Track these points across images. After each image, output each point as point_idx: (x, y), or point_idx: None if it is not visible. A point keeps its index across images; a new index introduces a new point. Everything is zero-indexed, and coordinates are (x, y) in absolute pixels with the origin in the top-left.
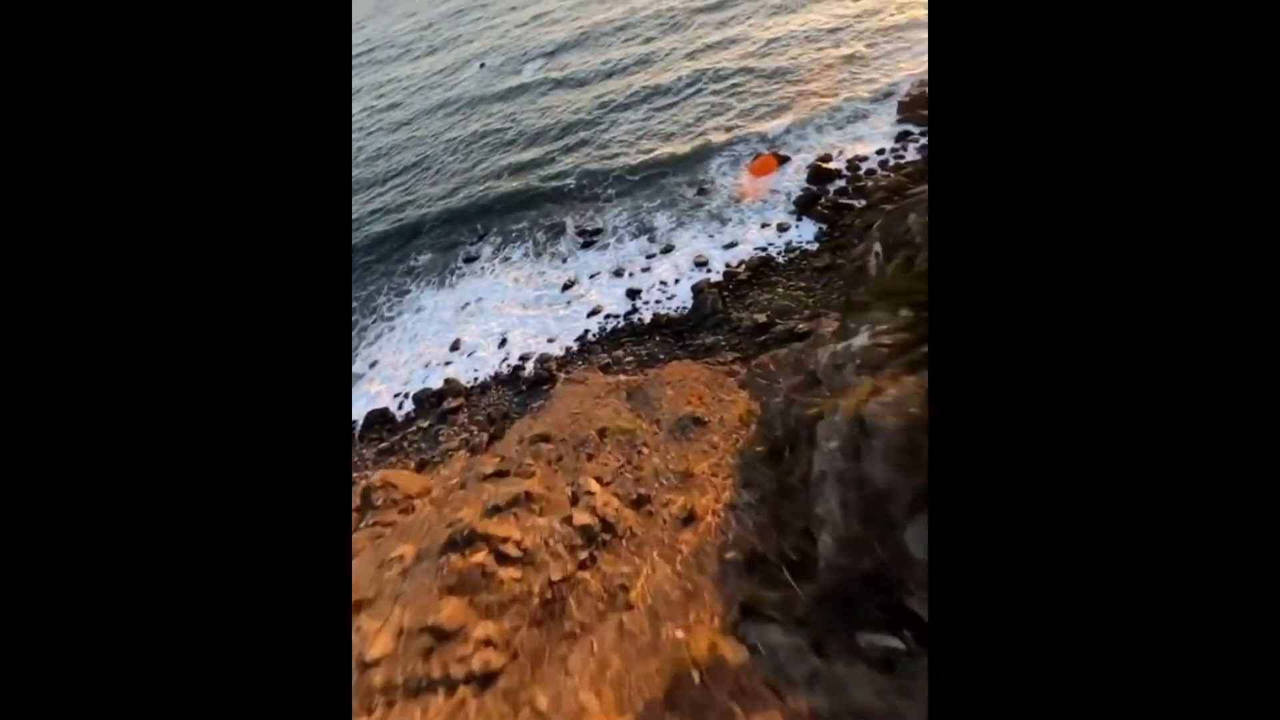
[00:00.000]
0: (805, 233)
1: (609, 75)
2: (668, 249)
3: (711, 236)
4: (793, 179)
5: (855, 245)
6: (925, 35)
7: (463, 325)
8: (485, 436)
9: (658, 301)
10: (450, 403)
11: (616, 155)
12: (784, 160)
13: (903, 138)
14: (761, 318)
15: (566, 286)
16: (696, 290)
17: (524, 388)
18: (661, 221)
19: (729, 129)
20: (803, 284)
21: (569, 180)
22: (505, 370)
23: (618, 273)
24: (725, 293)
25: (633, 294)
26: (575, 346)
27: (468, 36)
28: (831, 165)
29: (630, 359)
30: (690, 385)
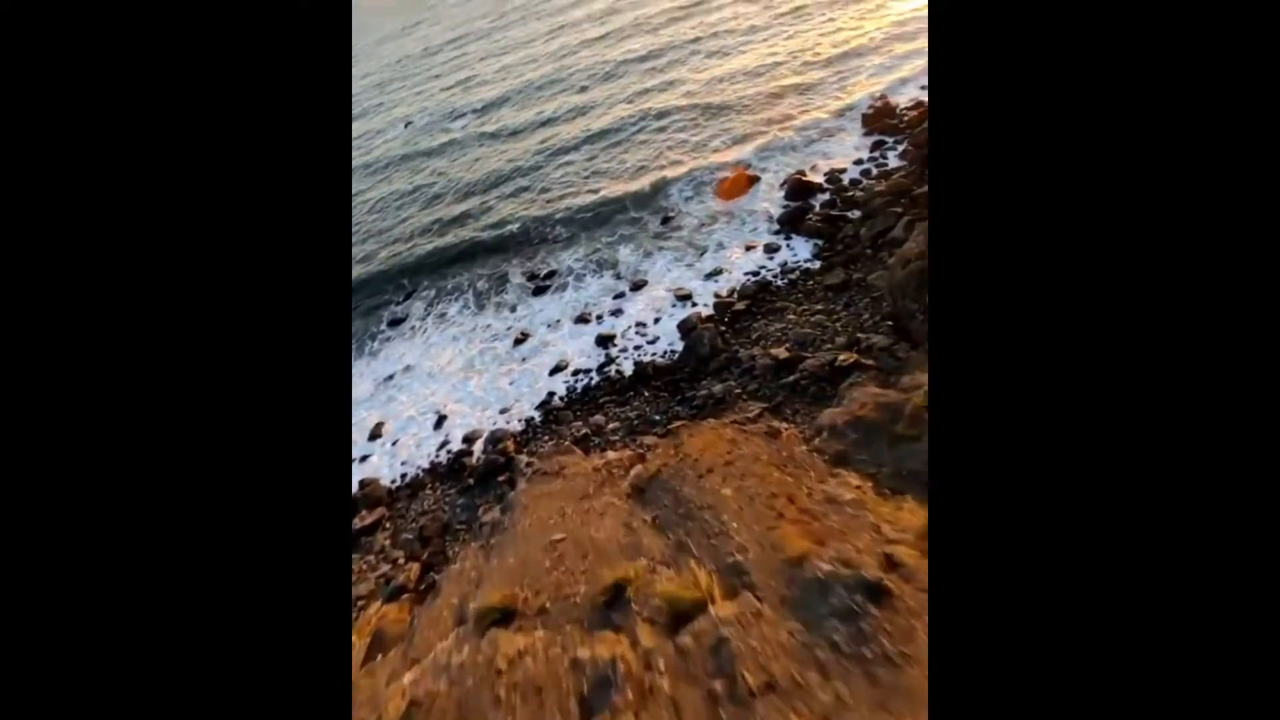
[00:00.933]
0: (800, 251)
1: (545, 124)
2: (639, 285)
3: (689, 266)
4: (767, 198)
5: (869, 254)
6: (866, 62)
7: (386, 403)
8: (414, 570)
9: (637, 348)
10: (365, 518)
11: (563, 197)
12: (754, 180)
13: (878, 146)
14: (781, 352)
15: (519, 340)
16: (686, 328)
17: (471, 482)
18: (626, 256)
19: (685, 161)
20: (819, 306)
21: (511, 226)
22: (444, 459)
23: (582, 318)
24: (722, 327)
25: (605, 341)
26: (538, 416)
27: (391, 104)
28: (811, 179)
29: (616, 426)
30: (747, 471)
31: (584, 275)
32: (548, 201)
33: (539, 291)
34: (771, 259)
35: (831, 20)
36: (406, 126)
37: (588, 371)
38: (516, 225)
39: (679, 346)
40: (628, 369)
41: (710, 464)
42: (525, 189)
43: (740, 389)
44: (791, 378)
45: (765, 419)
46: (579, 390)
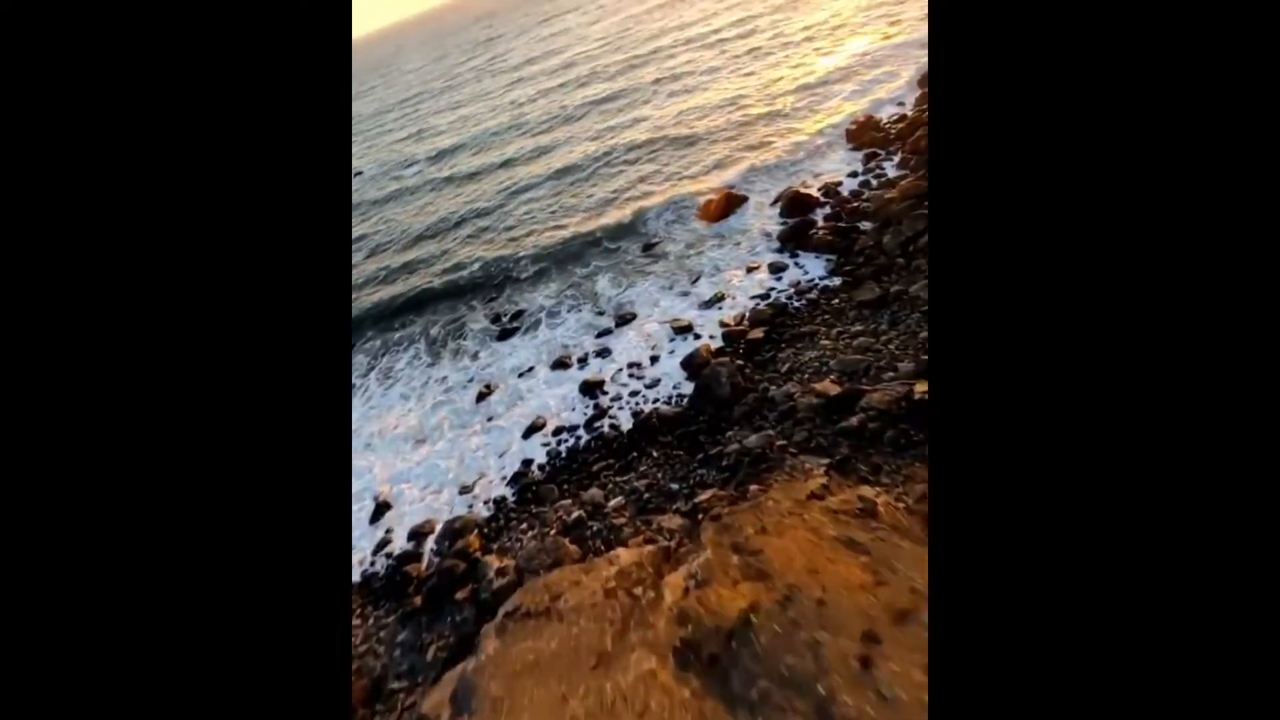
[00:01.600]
0: (811, 268)
1: (504, 165)
2: (625, 319)
3: (683, 294)
4: (759, 216)
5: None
6: (836, 89)
7: None
8: None
9: (634, 394)
10: None
11: (529, 234)
12: (741, 200)
13: (872, 158)
14: (828, 386)
15: (483, 394)
16: (694, 365)
17: (418, 603)
18: (606, 287)
19: (661, 190)
20: (857, 327)
21: (470, 269)
22: (381, 568)
23: (560, 363)
24: (740, 361)
25: (591, 390)
26: (511, 495)
27: None
28: (809, 192)
29: (620, 502)
30: (846, 582)
31: (558, 312)
32: (511, 240)
33: (505, 335)
34: (780, 279)
35: (788, 57)
36: (355, 177)
37: (573, 430)
38: (476, 267)
39: (687, 389)
40: (625, 422)
41: (791, 580)
42: (485, 229)
43: (783, 439)
44: (853, 420)
45: (838, 483)
46: (563, 455)
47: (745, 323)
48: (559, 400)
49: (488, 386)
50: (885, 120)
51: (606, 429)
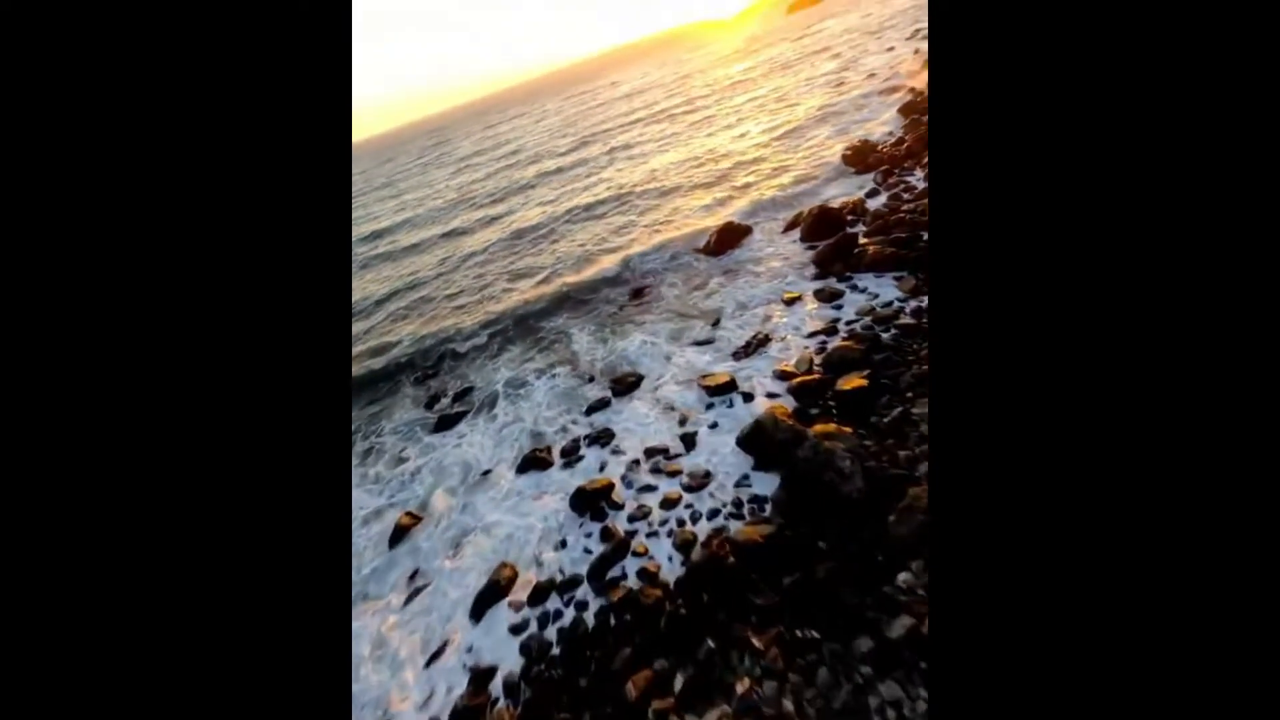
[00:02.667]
0: (882, 290)
1: (450, 236)
2: (627, 384)
3: (704, 344)
4: (772, 245)
5: None
6: (813, 132)
7: None
8: None
9: (671, 505)
10: None
11: (478, 301)
12: (745, 231)
13: (889, 174)
14: None
15: (402, 531)
16: (767, 442)
17: None
18: (589, 345)
19: (642, 239)
20: None
21: (399, 348)
22: None
23: (534, 460)
24: (846, 427)
25: (591, 503)
26: None
27: None
28: (836, 209)
29: None
30: None
31: (524, 382)
32: (456, 309)
33: (446, 423)
34: (839, 307)
35: (746, 119)
36: None
37: (569, 588)
38: (407, 343)
39: (767, 484)
40: (666, 563)
41: None
42: (423, 300)
43: None
44: None
45: None
46: (556, 651)
47: (819, 368)
48: (536, 528)
49: (412, 515)
50: (882, 145)
51: (633, 581)
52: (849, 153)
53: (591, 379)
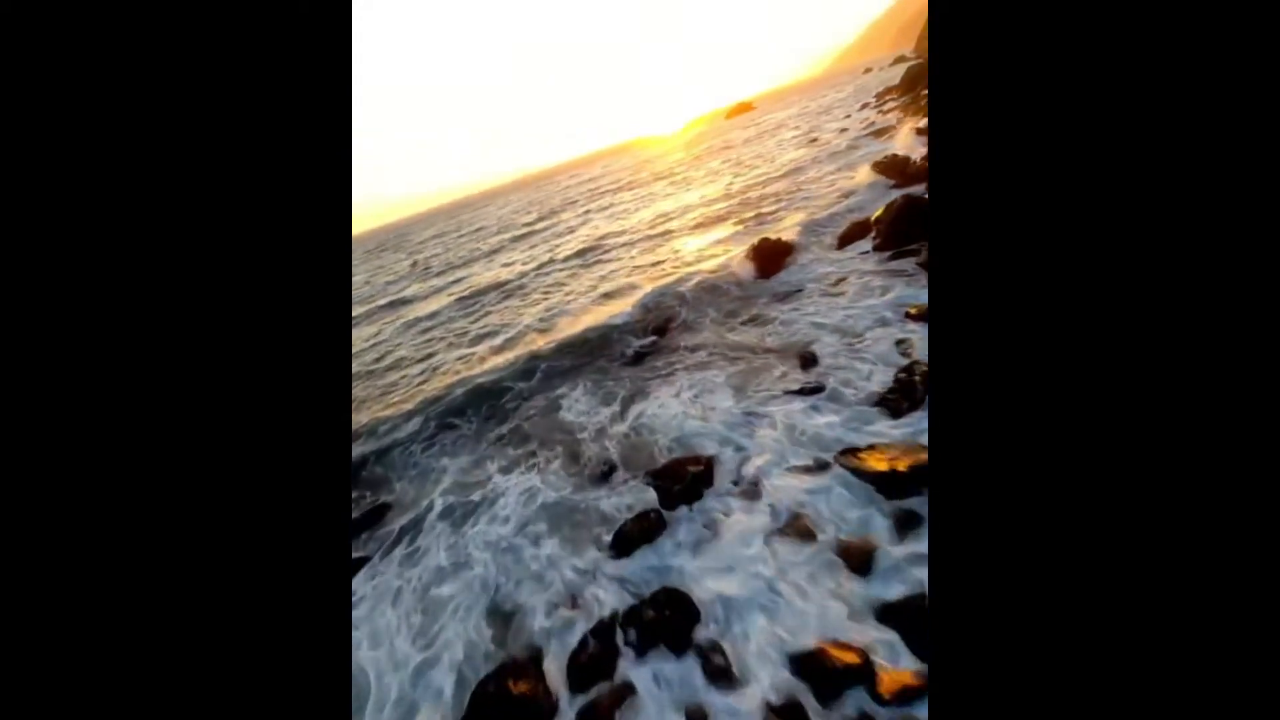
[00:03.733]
0: None
1: (392, 307)
2: (686, 479)
3: (812, 394)
4: (841, 257)
5: None
6: (820, 169)
7: None
8: None
9: None
10: None
11: (422, 379)
12: (789, 249)
13: None
14: None
15: None
16: None
17: None
18: (590, 414)
19: (651, 278)
20: None
21: None
22: None
23: (495, 705)
24: None
25: None
26: None
27: None
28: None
29: None
30: None
31: (481, 492)
32: (388, 388)
33: None
34: None
35: (741, 171)
36: None
37: None
38: None
39: None
40: None
41: None
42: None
43: None
44: None
45: None
46: None
47: None
48: None
49: None
50: (916, 159)
51: None
52: (881, 165)
53: (608, 472)
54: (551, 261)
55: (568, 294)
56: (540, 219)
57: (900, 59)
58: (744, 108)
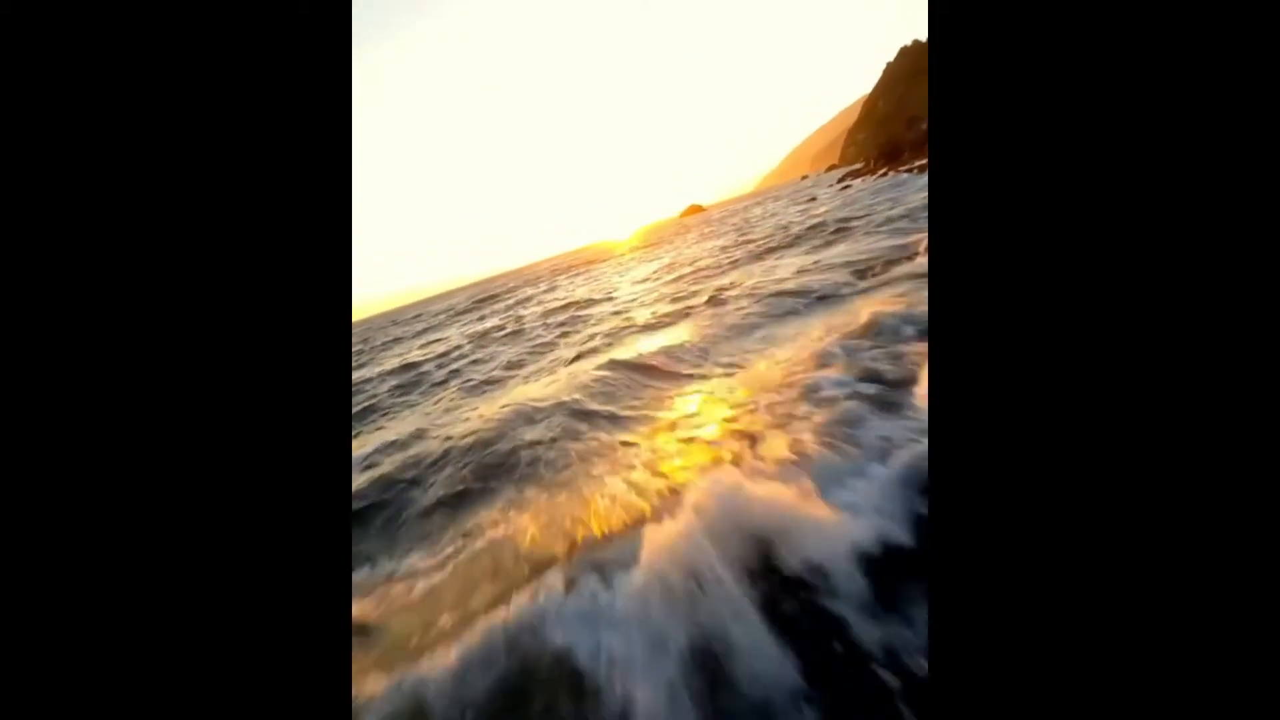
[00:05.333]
0: None
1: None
2: None
3: None
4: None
5: None
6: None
7: None
8: None
9: None
10: None
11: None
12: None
13: None
14: None
15: None
16: None
17: None
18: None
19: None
20: None
21: None
22: None
23: None
24: None
25: None
26: None
27: None
28: None
29: None
30: None
31: None
32: None
33: None
34: None
35: (738, 241)
36: None
37: None
38: None
39: None
40: None
41: None
42: None
43: None
44: None
45: None
46: None
47: None
48: None
49: None
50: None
51: None
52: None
53: None
54: (533, 319)
55: (573, 344)
56: (509, 286)
57: (831, 167)
58: (695, 209)
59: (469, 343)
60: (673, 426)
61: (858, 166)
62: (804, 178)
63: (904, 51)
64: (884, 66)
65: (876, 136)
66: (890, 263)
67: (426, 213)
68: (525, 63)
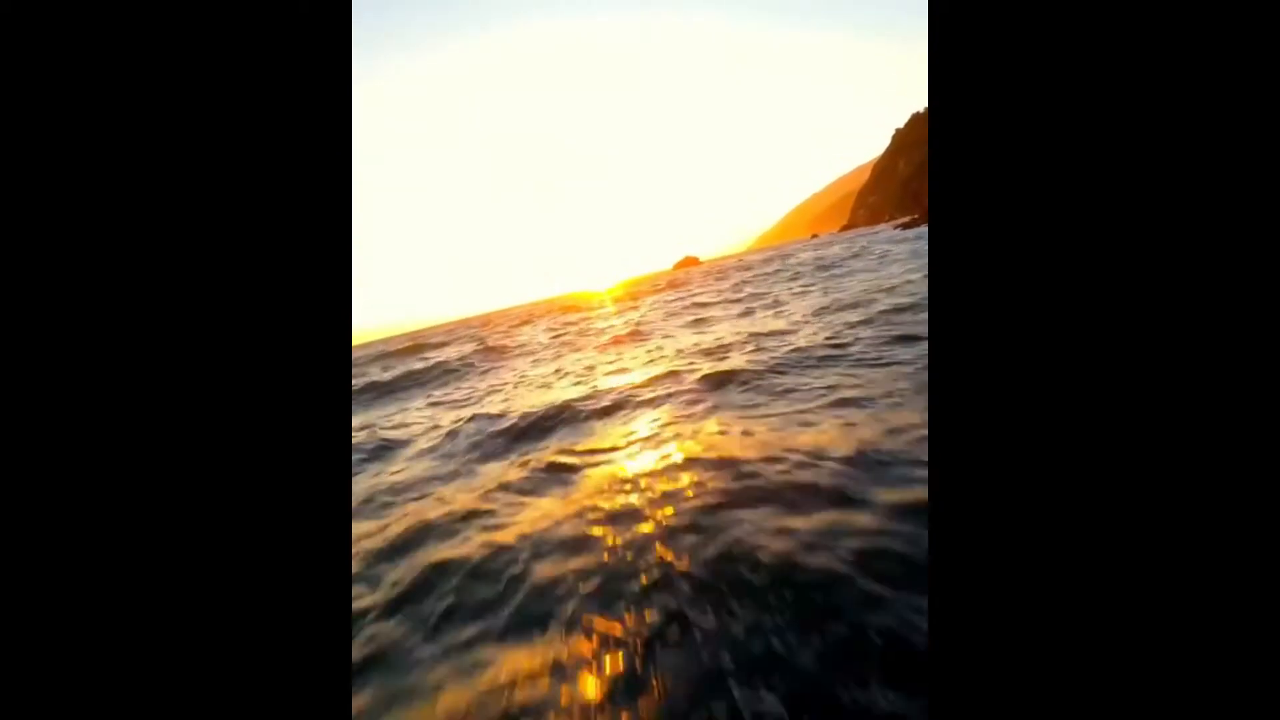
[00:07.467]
0: None
1: None
2: None
3: None
4: None
5: None
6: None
7: None
8: None
9: None
10: None
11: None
12: None
13: None
14: None
15: None
16: None
17: None
18: None
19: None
20: None
21: None
22: None
23: None
24: None
25: None
26: None
27: None
28: None
29: None
30: None
31: None
32: None
33: None
34: None
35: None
36: None
37: None
38: None
39: None
40: None
41: None
42: None
43: None
44: None
45: None
46: None
47: None
48: None
49: None
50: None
51: None
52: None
53: None
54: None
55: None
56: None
57: (844, 228)
58: (690, 262)
59: None
60: None
61: (911, 218)
62: (814, 235)
63: (917, 118)
64: (893, 132)
65: (897, 196)
66: None
67: (406, 248)
68: (523, 113)
